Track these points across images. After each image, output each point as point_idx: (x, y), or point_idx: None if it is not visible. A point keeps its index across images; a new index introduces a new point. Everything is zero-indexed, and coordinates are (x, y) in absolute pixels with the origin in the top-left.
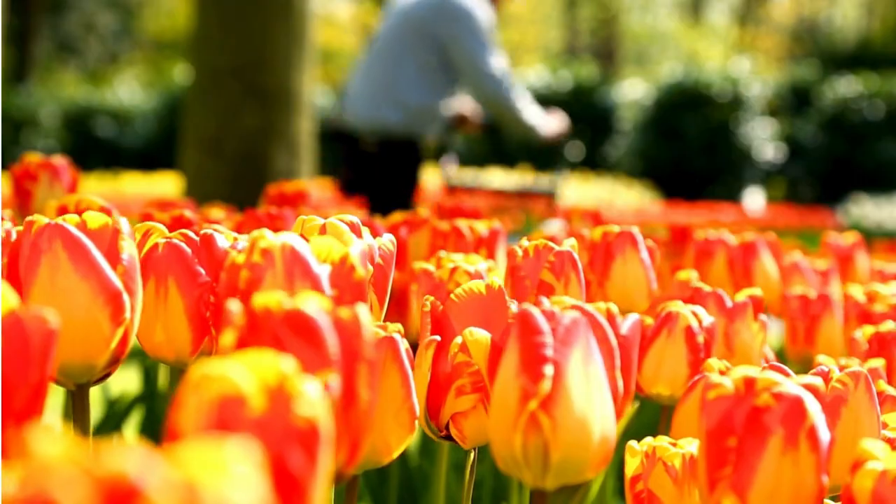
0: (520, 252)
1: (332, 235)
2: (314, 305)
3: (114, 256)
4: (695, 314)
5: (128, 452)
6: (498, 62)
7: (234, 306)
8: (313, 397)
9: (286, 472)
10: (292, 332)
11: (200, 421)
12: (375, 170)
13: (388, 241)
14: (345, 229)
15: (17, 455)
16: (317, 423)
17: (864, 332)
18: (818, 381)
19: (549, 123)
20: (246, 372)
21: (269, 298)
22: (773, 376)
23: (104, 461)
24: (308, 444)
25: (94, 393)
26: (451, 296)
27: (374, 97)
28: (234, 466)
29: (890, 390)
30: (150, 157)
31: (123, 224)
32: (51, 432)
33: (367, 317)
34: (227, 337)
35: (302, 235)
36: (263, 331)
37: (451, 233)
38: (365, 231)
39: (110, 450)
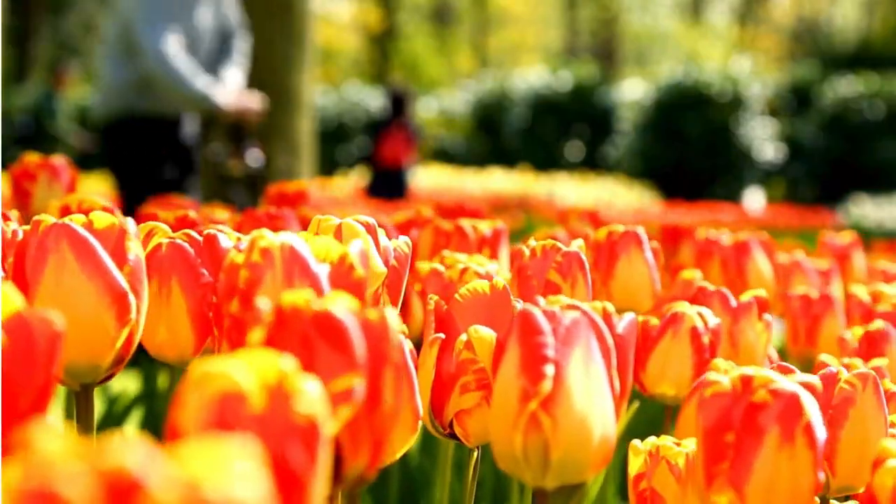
0: (527, 252)
1: (346, 236)
2: (343, 307)
3: (120, 257)
4: (700, 315)
5: (130, 448)
6: (158, 33)
7: (263, 304)
8: (313, 395)
9: (286, 470)
10: (320, 334)
11: (201, 418)
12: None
13: (403, 242)
14: (361, 230)
15: (19, 451)
16: (316, 421)
17: (853, 333)
18: (815, 379)
19: (230, 94)
20: (246, 370)
21: (299, 298)
22: (769, 374)
23: (106, 456)
24: (308, 442)
25: (95, 392)
26: (456, 295)
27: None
28: (235, 463)
29: (894, 388)
30: None
31: (130, 224)
32: (53, 429)
33: (396, 320)
34: (256, 335)
35: (317, 235)
36: (291, 330)
37: (454, 232)
38: (381, 232)
39: (112, 445)
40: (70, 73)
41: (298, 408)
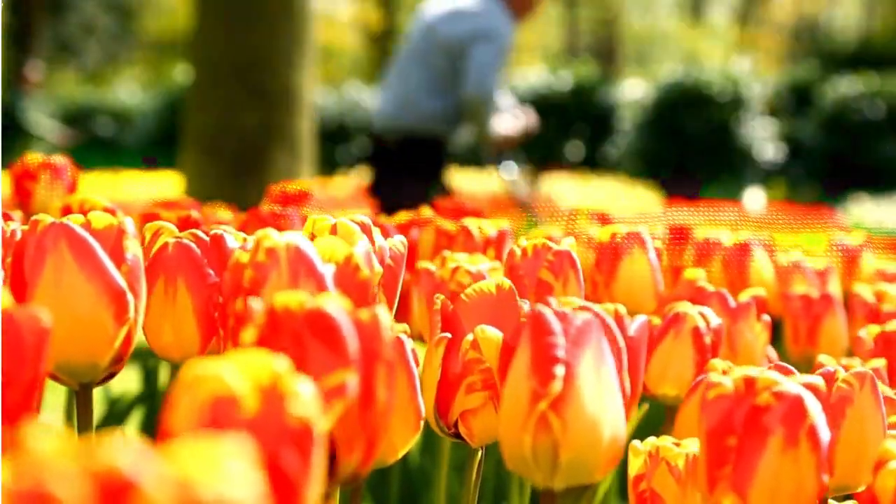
0: (518, 251)
1: (342, 235)
2: (335, 305)
3: (118, 256)
4: (702, 315)
5: (123, 447)
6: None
7: (255, 304)
8: (307, 397)
9: (280, 473)
10: (312, 332)
11: (193, 421)
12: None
13: (398, 242)
14: (355, 229)
15: (12, 450)
16: (310, 423)
17: (869, 332)
18: (818, 381)
19: (506, 122)
20: (238, 372)
21: (291, 297)
22: (772, 375)
23: (99, 456)
24: (302, 444)
25: (96, 392)
26: (462, 295)
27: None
28: (229, 463)
29: (888, 392)
30: (151, 156)
31: (128, 224)
32: (45, 428)
33: (387, 318)
34: (248, 335)
35: (312, 235)
36: (284, 330)
37: (460, 233)
38: (376, 232)
39: (105, 445)
40: (35, 73)
41: (292, 410)
